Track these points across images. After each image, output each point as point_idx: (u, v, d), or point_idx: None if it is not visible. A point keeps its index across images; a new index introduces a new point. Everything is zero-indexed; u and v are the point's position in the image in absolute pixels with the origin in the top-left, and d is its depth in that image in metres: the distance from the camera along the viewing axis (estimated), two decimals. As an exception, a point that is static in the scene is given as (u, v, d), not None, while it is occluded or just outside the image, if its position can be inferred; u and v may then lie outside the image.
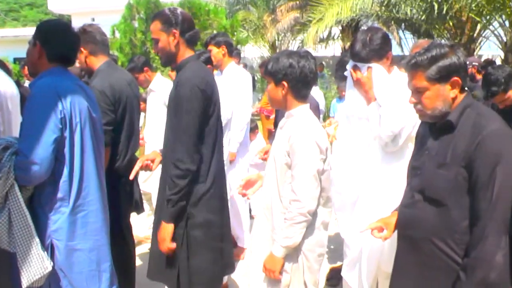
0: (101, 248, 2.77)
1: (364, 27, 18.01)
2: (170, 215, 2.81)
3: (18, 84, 4.25)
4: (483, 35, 12.33)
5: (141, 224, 5.51)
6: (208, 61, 4.34)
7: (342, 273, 3.41)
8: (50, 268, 2.52)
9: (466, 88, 2.28)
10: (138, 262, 4.52)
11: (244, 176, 4.62)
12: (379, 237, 2.48)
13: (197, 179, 2.85)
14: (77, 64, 3.40)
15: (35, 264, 2.48)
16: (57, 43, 2.70)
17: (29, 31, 18.01)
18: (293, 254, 2.63)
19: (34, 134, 2.48)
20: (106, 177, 2.94)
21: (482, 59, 10.88)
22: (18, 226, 2.46)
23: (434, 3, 10.89)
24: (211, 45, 4.84)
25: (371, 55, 3.09)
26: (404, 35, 18.10)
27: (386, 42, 3.15)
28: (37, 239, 2.48)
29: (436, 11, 10.93)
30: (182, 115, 2.77)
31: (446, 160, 2.18)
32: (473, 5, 10.17)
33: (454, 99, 2.22)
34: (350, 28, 18.77)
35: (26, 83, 6.42)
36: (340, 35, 20.52)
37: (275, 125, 5.16)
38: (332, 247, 5.12)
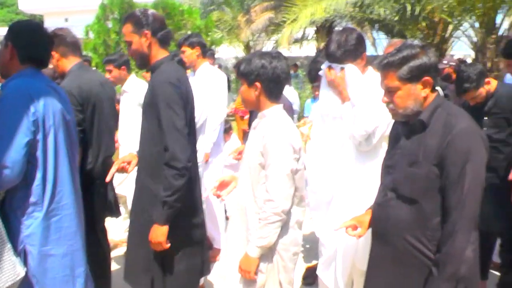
0: (75, 253, 2.73)
1: (338, 28, 18.13)
2: (166, 217, 2.76)
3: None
4: (455, 35, 12.55)
5: (116, 228, 5.46)
6: (180, 63, 4.32)
7: (318, 272, 3.43)
8: (22, 274, 2.46)
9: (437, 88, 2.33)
10: (114, 266, 4.49)
11: (219, 177, 4.63)
12: (353, 235, 2.51)
13: None
14: (50, 66, 3.37)
15: (7, 271, 2.42)
16: (29, 44, 2.66)
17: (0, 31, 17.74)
18: (268, 254, 2.64)
19: (6, 137, 2.42)
20: (80, 180, 2.90)
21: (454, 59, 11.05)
22: (-11, 231, 2.42)
23: (407, 5, 11.04)
24: (184, 46, 4.83)
25: (345, 56, 3.12)
26: (378, 35, 18.32)
27: (360, 43, 3.18)
28: (8, 245, 2.42)
29: (408, 12, 11.08)
30: (166, 114, 2.74)
31: (418, 159, 2.22)
32: (445, 6, 10.35)
33: (425, 98, 2.26)
34: (325, 29, 18.89)
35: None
36: (315, 35, 20.64)
37: (250, 125, 5.17)
38: (307, 246, 5.16)
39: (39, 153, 2.53)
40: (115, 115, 3.81)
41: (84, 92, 3.40)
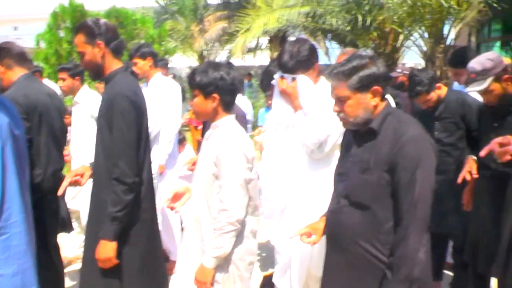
0: (26, 272, 2.63)
1: (291, 38, 18.36)
2: (114, 233, 2.73)
3: None
4: (405, 45, 12.87)
5: (70, 244, 5.32)
6: (133, 75, 4.28)
7: (274, 280, 3.45)
8: None
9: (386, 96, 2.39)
10: (69, 282, 4.39)
11: (173, 188, 4.60)
12: (308, 243, 2.54)
13: None
14: None
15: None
16: None
17: None
18: (223, 264, 2.64)
19: None
20: (30, 195, 2.82)
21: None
22: None
23: (358, 15, 11.27)
24: (136, 58, 4.75)
25: (298, 66, 3.16)
26: (331, 45, 18.61)
27: (313, 53, 3.22)
28: None
29: (360, 23, 11.30)
30: (119, 128, 2.72)
31: (369, 166, 2.27)
32: (395, 17, 10.60)
33: (375, 107, 2.31)
34: (278, 38, 19.08)
35: None
36: (268, 45, 20.81)
37: (203, 136, 5.15)
38: (263, 254, 5.17)
39: None
40: (64, 127, 3.72)
41: (31, 101, 3.31)
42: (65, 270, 4.51)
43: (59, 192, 3.09)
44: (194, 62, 21.51)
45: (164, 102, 4.69)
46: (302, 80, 3.16)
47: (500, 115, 3.40)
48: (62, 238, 3.82)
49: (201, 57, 21.44)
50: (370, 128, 2.31)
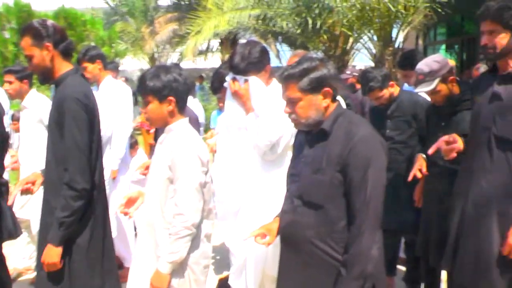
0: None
1: (242, 40, 18.43)
2: (61, 238, 2.68)
3: None
4: (355, 47, 13.13)
5: (19, 255, 5.10)
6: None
7: (230, 281, 3.44)
8: None
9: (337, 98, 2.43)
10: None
11: (126, 193, 4.52)
12: (262, 243, 2.55)
13: None
14: None
15: None
16: None
17: None
18: (179, 269, 2.60)
19: None
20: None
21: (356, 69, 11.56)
22: None
23: (308, 18, 11.39)
24: (85, 62, 4.62)
25: (249, 68, 3.17)
26: (282, 47, 18.77)
27: (264, 55, 3.24)
28: None
29: (310, 26, 11.44)
30: (70, 132, 2.65)
31: (321, 166, 2.29)
32: (345, 20, 10.78)
33: (326, 108, 2.34)
34: (229, 41, 19.11)
35: None
36: (219, 47, 20.81)
37: (155, 139, 5.09)
38: (217, 257, 5.16)
39: None
40: (3, 132, 3.54)
41: None
42: (15, 282, 4.38)
43: (9, 202, 3.00)
44: (145, 65, 21.29)
45: (115, 106, 4.61)
46: (254, 82, 3.17)
47: (446, 114, 3.52)
48: (11, 249, 3.68)
49: (152, 59, 21.24)
50: (322, 129, 2.34)
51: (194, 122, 4.09)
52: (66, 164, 2.66)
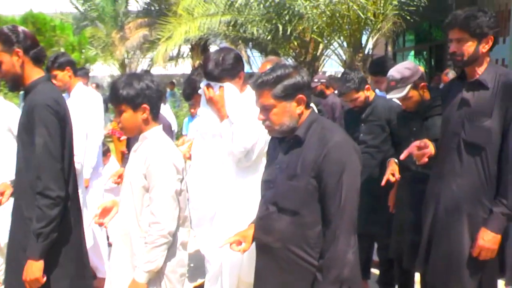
0: None
1: (213, 46, 18.41)
2: (41, 251, 2.58)
3: None
4: (325, 54, 13.29)
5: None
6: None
7: (205, 288, 3.43)
8: None
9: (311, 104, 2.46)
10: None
11: (99, 202, 4.45)
12: (238, 251, 2.54)
13: None
14: None
15: None
16: None
17: None
18: (155, 278, 2.58)
19: None
20: None
21: (327, 75, 11.73)
22: None
23: (279, 25, 11.46)
24: (54, 70, 4.53)
25: (223, 74, 3.18)
26: (252, 53, 18.82)
27: (238, 62, 3.25)
28: None
29: (281, 32, 11.52)
30: (42, 139, 2.59)
31: (296, 172, 2.31)
32: (315, 27, 10.90)
33: (300, 115, 2.36)
34: (199, 47, 19.08)
35: None
36: (190, 53, 20.74)
37: (128, 146, 5.04)
38: (192, 265, 5.13)
39: None
40: None
41: None
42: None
43: None
44: (116, 71, 21.09)
45: (86, 113, 4.55)
46: (229, 88, 3.18)
47: (418, 119, 3.58)
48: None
49: (122, 65, 21.06)
50: (296, 135, 2.36)
51: (168, 129, 4.07)
52: (39, 172, 2.59)
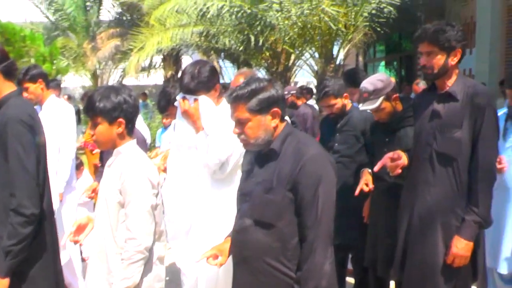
0: None
1: (185, 56, 18.36)
2: (8, 269, 2.53)
3: None
4: (297, 64, 13.41)
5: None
6: None
7: (181, 303, 3.41)
8: None
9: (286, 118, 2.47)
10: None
11: (73, 216, 4.39)
12: (214, 264, 2.54)
13: None
14: None
15: None
16: None
17: None
18: None
19: None
20: None
21: (298, 85, 11.84)
22: None
23: (251, 36, 11.54)
24: (26, 82, 4.44)
25: (199, 87, 3.18)
26: (224, 64, 18.87)
27: (214, 74, 3.26)
28: None
29: (253, 43, 11.58)
30: (16, 154, 2.54)
31: (272, 185, 2.32)
32: (286, 38, 11.00)
33: (275, 128, 2.38)
34: (171, 57, 19.04)
35: None
36: (162, 64, 20.66)
37: (101, 159, 4.99)
38: (167, 278, 5.08)
39: None
40: None
41: None
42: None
43: None
44: (87, 82, 20.85)
45: (59, 126, 4.49)
46: (204, 101, 3.18)
47: (390, 130, 3.63)
48: None
49: (94, 76, 20.81)
50: (271, 149, 2.37)
51: (142, 143, 4.04)
52: (13, 188, 2.54)
